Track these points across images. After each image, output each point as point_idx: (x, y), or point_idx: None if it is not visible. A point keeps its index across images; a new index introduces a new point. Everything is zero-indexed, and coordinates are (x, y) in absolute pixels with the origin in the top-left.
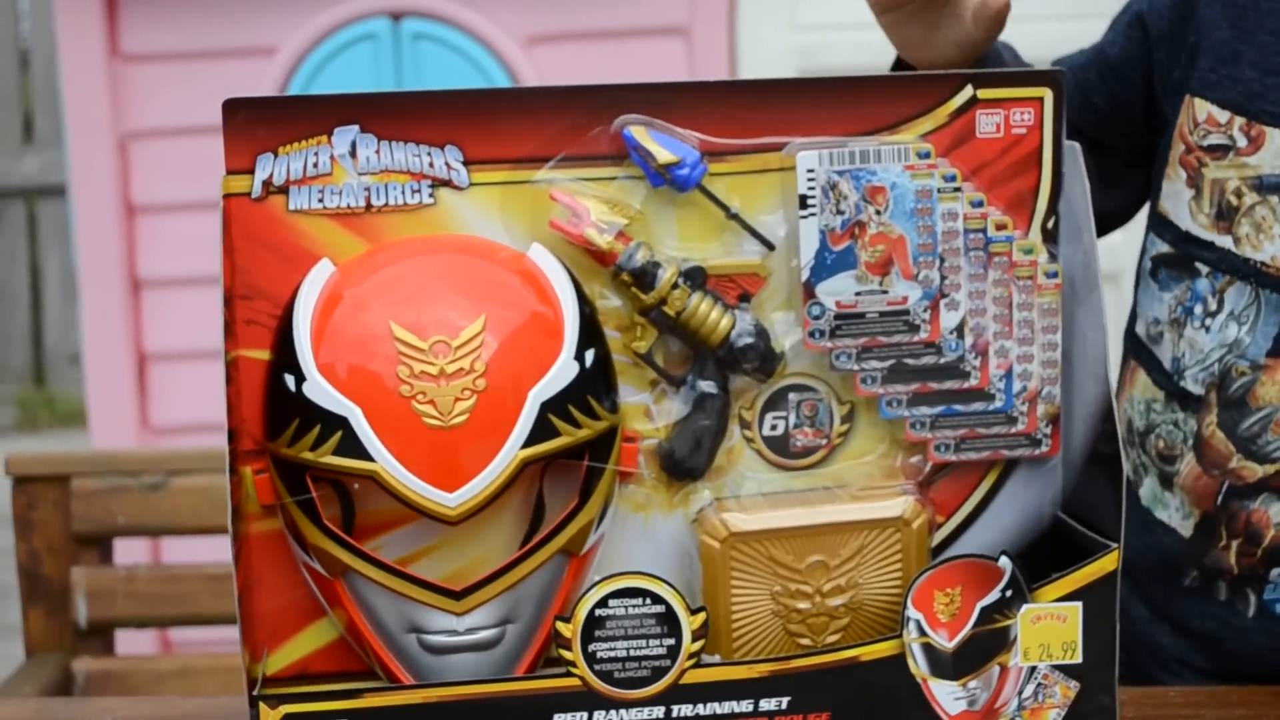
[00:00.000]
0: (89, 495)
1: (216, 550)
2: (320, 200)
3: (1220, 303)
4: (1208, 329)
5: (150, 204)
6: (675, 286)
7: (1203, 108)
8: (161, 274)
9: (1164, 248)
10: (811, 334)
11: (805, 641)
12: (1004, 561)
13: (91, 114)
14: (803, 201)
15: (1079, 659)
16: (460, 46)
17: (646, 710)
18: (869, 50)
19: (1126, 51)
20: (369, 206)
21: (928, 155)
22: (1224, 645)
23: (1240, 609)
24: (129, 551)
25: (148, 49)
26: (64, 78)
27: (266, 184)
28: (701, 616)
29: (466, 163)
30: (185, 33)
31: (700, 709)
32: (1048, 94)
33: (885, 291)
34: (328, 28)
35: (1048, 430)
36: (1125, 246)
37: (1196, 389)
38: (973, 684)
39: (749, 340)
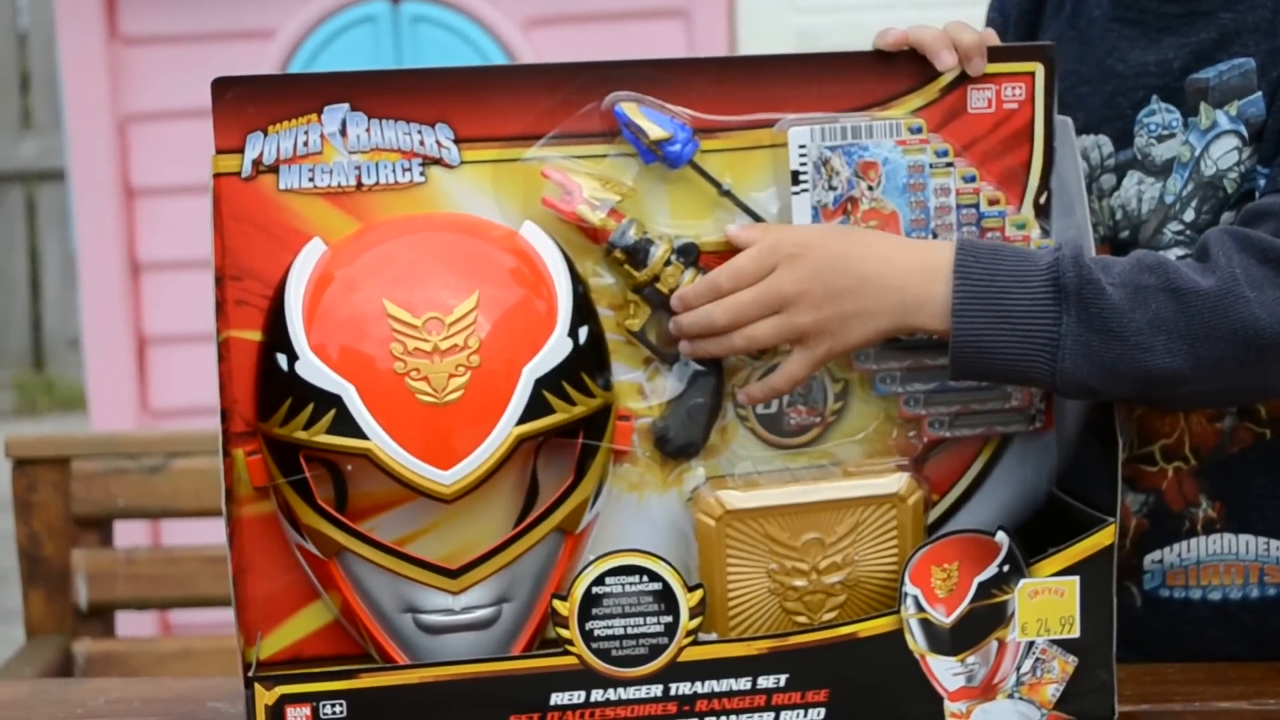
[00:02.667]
0: (89, 477)
1: (216, 532)
2: (311, 179)
3: None
4: None
5: (149, 187)
6: (668, 263)
7: None
8: (161, 257)
9: None
10: None
11: (802, 619)
12: (1001, 536)
13: (90, 97)
14: (795, 178)
15: (1077, 633)
16: (459, 29)
17: (644, 688)
18: (868, 32)
19: None
20: (360, 185)
21: (920, 130)
22: (1129, 634)
23: (1127, 600)
24: (129, 534)
25: (146, 32)
26: (63, 61)
27: (256, 163)
28: (699, 594)
29: (457, 140)
30: (184, 15)
31: (698, 687)
32: (1039, 69)
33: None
34: (326, 10)
35: (1042, 405)
36: None
37: None
38: (971, 659)
39: None
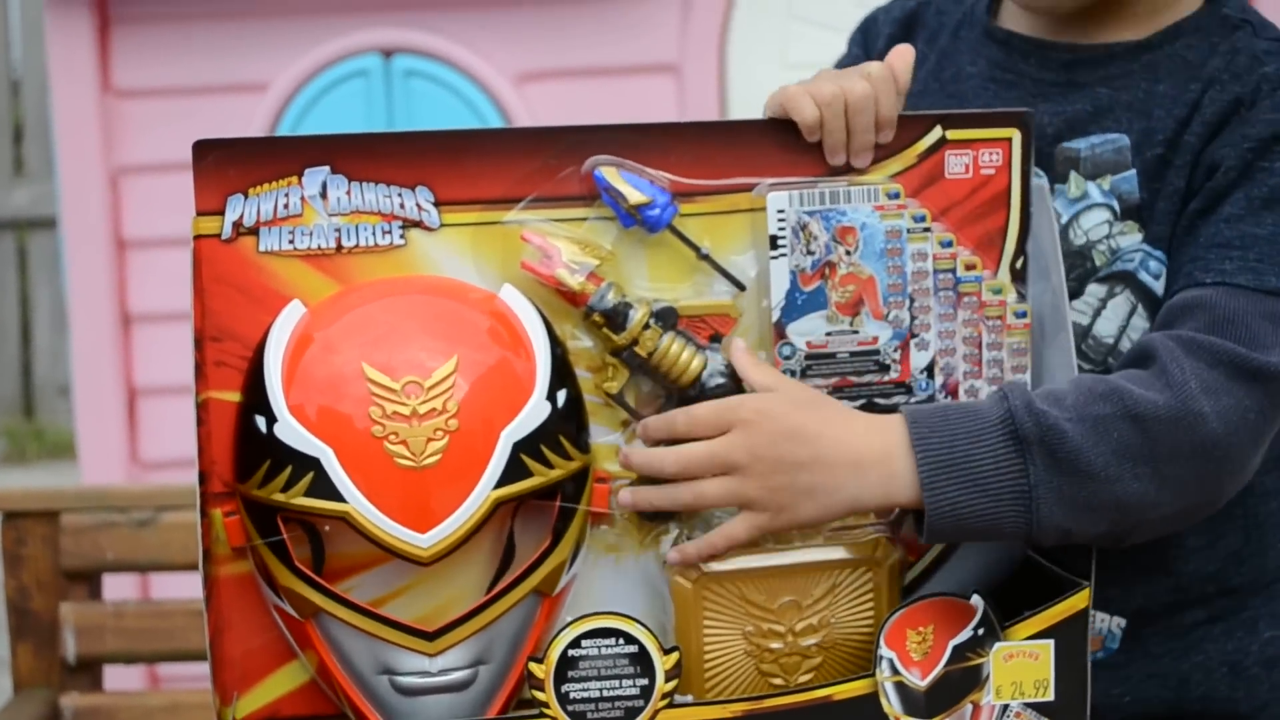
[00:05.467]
0: (78, 531)
1: None
2: (291, 241)
3: None
4: None
5: (141, 239)
6: (647, 327)
7: None
8: (152, 308)
9: None
10: (783, 374)
11: (778, 681)
12: (976, 600)
13: (83, 149)
14: (773, 242)
15: (1051, 696)
16: (451, 83)
17: None
18: None
19: None
20: (340, 247)
21: (897, 195)
22: None
23: None
24: (118, 587)
25: (139, 84)
26: (56, 113)
27: (237, 225)
28: (675, 656)
29: (437, 203)
30: (177, 68)
31: None
32: (1016, 135)
33: (856, 331)
34: (319, 64)
35: None
36: None
37: None
38: None
39: (720, 380)
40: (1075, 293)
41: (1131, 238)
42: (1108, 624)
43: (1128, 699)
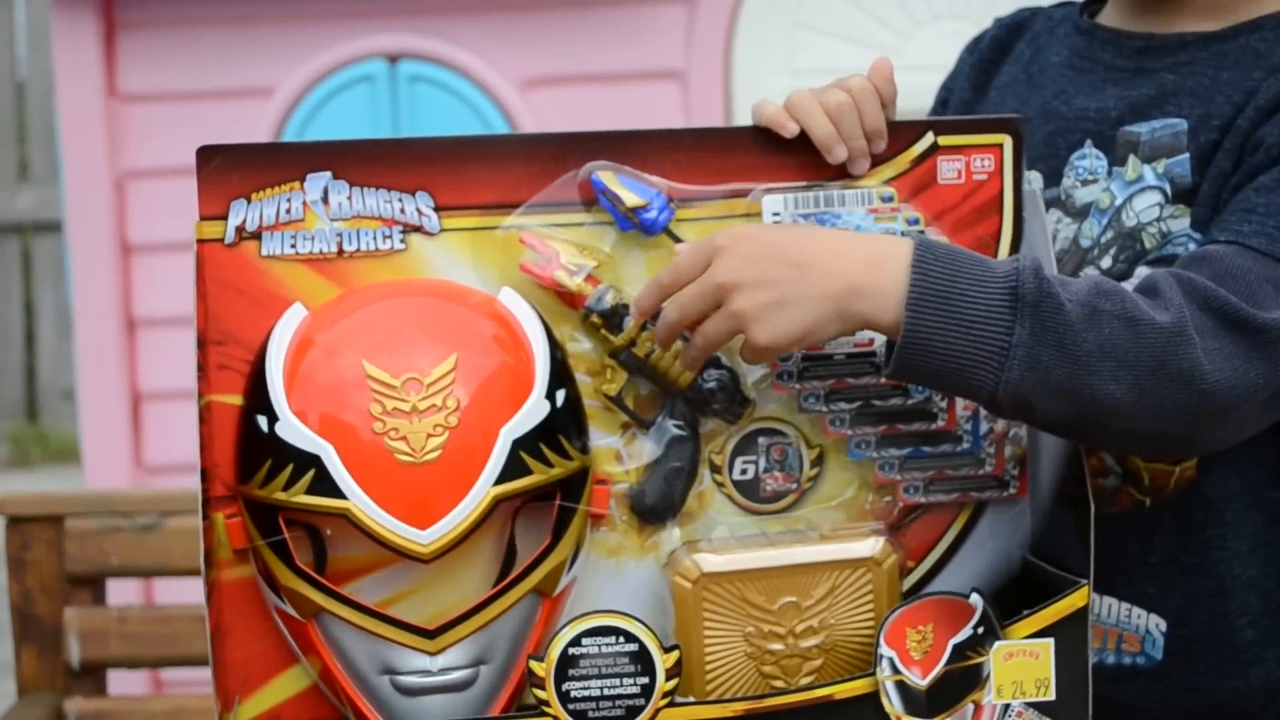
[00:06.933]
0: (83, 535)
1: None
2: (293, 246)
3: None
4: None
5: (146, 243)
6: (644, 328)
7: None
8: (157, 313)
9: None
10: (780, 375)
11: (779, 683)
12: (975, 598)
13: (88, 154)
14: None
15: (1052, 695)
16: (457, 89)
17: None
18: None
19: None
20: (341, 252)
21: (891, 199)
22: None
23: None
24: (122, 592)
25: (145, 89)
26: (62, 118)
27: (239, 230)
28: (675, 655)
29: (437, 208)
30: (183, 73)
31: None
32: (1007, 141)
33: (852, 334)
34: (325, 69)
35: (1015, 472)
36: None
37: None
38: None
39: (717, 381)
40: (1124, 275)
41: (1181, 221)
42: (1145, 622)
43: (1159, 705)
